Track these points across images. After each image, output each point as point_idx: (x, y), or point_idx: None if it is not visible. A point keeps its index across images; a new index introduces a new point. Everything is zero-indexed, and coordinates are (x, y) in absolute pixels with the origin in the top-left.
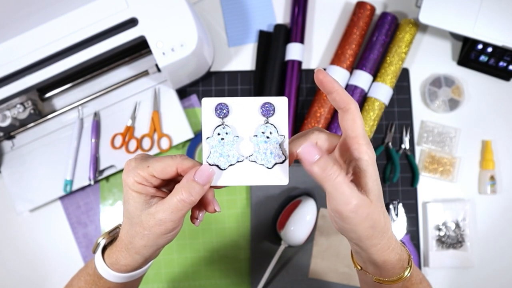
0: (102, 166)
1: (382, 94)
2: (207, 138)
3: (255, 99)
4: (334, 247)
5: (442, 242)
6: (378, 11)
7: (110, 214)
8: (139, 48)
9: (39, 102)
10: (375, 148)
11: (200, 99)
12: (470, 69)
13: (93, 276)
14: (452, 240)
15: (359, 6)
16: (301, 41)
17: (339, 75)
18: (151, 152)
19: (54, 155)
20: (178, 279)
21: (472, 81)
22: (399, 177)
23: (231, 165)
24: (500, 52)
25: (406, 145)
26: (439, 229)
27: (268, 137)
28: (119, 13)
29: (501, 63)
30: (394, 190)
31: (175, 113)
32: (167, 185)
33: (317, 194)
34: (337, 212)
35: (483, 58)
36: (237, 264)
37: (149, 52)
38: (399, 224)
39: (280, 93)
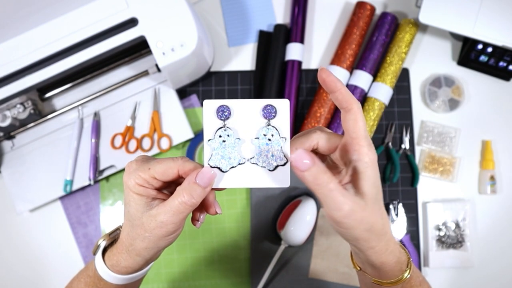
0: (102, 166)
1: (382, 94)
2: (209, 140)
3: (256, 101)
4: (334, 247)
5: (442, 242)
6: (378, 11)
7: (110, 214)
8: (139, 48)
9: (39, 102)
10: (375, 148)
11: (200, 99)
12: (470, 69)
13: (93, 277)
14: (452, 240)
15: (359, 6)
16: (301, 41)
17: (339, 75)
18: (151, 152)
19: (54, 155)
20: (178, 279)
21: (472, 81)
22: (399, 177)
23: (232, 167)
24: (500, 52)
25: (406, 145)
26: (439, 229)
27: (269, 140)
28: (119, 13)
29: (501, 63)
30: (394, 190)
31: (175, 113)
32: (168, 187)
33: None
34: (331, 218)
35: (483, 58)
36: (237, 264)
37: (149, 52)
38: (399, 224)
39: (280, 93)
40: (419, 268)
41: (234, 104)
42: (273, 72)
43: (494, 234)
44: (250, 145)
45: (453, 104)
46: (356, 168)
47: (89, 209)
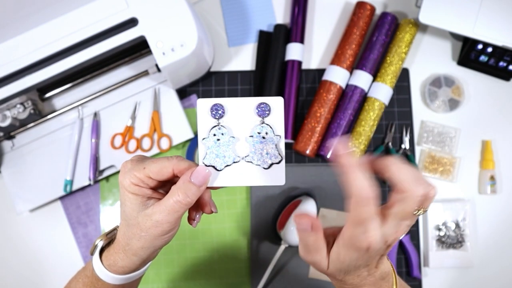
0: (102, 166)
1: (382, 94)
2: (203, 139)
3: (250, 99)
4: None
5: (442, 242)
6: (378, 11)
7: (110, 214)
8: (139, 48)
9: (39, 102)
10: (375, 148)
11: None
12: (470, 69)
13: (91, 278)
14: (452, 240)
15: (359, 6)
16: (301, 41)
17: (339, 75)
18: (151, 152)
19: (54, 155)
20: (178, 279)
21: (472, 81)
22: None
23: (227, 165)
24: (500, 52)
25: (406, 145)
26: (439, 229)
27: (264, 138)
28: (119, 13)
29: (501, 63)
30: None
31: (175, 113)
32: (164, 186)
33: (317, 194)
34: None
35: (483, 58)
36: (237, 264)
37: (149, 52)
38: None
39: (280, 93)
40: (419, 268)
41: (228, 102)
42: (273, 72)
43: (494, 234)
44: (244, 143)
45: (453, 104)
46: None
47: (89, 209)
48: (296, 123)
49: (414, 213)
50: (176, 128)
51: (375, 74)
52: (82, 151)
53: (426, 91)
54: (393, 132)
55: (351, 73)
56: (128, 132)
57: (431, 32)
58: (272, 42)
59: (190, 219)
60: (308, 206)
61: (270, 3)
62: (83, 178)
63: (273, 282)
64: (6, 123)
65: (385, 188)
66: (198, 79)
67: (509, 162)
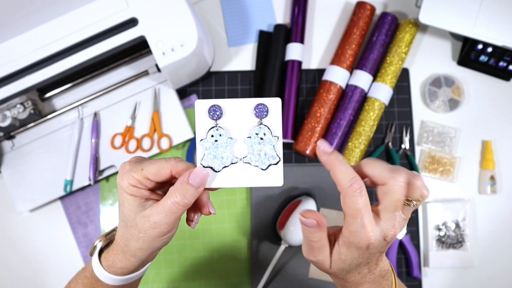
0: (102, 166)
1: (382, 94)
2: (201, 140)
3: (248, 100)
4: None
5: (442, 242)
6: (378, 11)
7: (110, 214)
8: (139, 48)
9: (39, 102)
10: (375, 148)
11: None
12: (470, 69)
13: (90, 278)
14: (452, 240)
15: (359, 6)
16: (301, 41)
17: (339, 75)
18: (151, 152)
19: (54, 155)
20: (178, 279)
21: (472, 81)
22: None
23: (225, 167)
24: (500, 52)
25: (406, 145)
26: (439, 229)
27: (262, 138)
28: (119, 13)
29: (501, 63)
30: None
31: (175, 113)
32: (162, 187)
33: (317, 194)
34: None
35: (483, 58)
36: (237, 264)
37: (149, 52)
38: None
39: (280, 93)
40: (419, 268)
41: (226, 103)
42: (273, 72)
43: (494, 234)
44: (242, 144)
45: (453, 104)
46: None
47: (89, 209)
48: (296, 123)
49: (408, 204)
50: (176, 128)
51: (375, 74)
52: (82, 151)
53: (426, 91)
54: (393, 132)
55: (351, 73)
56: (128, 132)
57: (431, 32)
58: (272, 42)
59: (189, 221)
60: (308, 206)
61: (270, 3)
62: (83, 178)
63: (273, 282)
64: (6, 123)
65: None
66: (198, 79)
67: (509, 162)
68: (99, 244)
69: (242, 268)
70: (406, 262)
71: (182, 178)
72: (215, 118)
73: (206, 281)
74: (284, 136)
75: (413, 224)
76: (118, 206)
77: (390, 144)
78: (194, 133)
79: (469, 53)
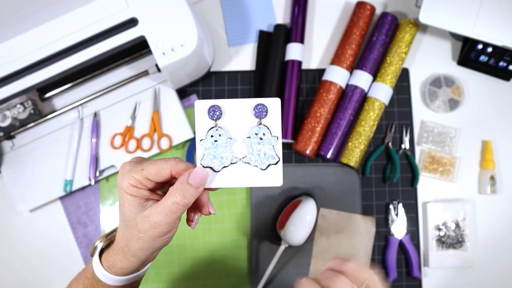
0: (102, 166)
1: (382, 94)
2: (201, 140)
3: (247, 100)
4: (334, 247)
5: (442, 242)
6: (378, 11)
7: (110, 214)
8: (139, 48)
9: (39, 102)
10: (375, 148)
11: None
12: (470, 69)
13: (91, 279)
14: (452, 240)
15: (359, 6)
16: (301, 41)
17: (339, 75)
18: (151, 152)
19: (54, 155)
20: (178, 279)
21: (472, 81)
22: (399, 177)
23: (224, 167)
24: (500, 52)
25: (406, 145)
26: (439, 229)
27: (261, 139)
28: (119, 13)
29: (501, 63)
30: (394, 190)
31: (175, 113)
32: (162, 187)
33: (317, 194)
34: None
35: (483, 58)
36: (237, 264)
37: (149, 52)
38: (399, 224)
39: (280, 93)
40: (419, 268)
41: (225, 104)
42: (273, 72)
43: (494, 234)
44: (242, 145)
45: (453, 104)
46: None
47: (89, 209)
48: (296, 123)
49: None
50: (176, 128)
51: (375, 74)
52: (82, 151)
53: (426, 91)
54: (393, 132)
55: (351, 73)
56: (128, 132)
57: (431, 32)
58: (272, 42)
59: (189, 221)
60: (308, 206)
61: (270, 3)
62: (83, 178)
63: (273, 282)
64: (6, 123)
65: (385, 188)
66: (198, 79)
67: (509, 162)
68: (99, 245)
69: (242, 268)
70: (406, 262)
71: (182, 178)
72: (214, 118)
73: (206, 281)
74: (284, 136)
75: (413, 224)
76: (119, 206)
77: (390, 144)
78: (194, 133)
79: (469, 53)
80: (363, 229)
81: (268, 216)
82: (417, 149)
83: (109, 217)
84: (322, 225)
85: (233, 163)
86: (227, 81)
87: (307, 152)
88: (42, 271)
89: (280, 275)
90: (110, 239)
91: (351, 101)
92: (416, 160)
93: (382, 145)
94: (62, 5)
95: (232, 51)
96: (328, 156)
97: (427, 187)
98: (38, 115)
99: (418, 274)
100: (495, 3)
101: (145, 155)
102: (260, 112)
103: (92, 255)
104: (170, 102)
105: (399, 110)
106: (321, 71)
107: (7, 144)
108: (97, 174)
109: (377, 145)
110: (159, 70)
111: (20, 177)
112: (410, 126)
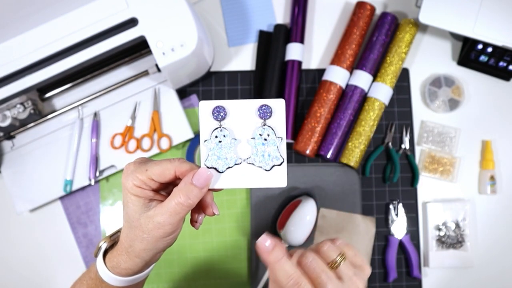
0: (102, 166)
1: (382, 94)
2: (205, 141)
3: (252, 101)
4: None
5: (442, 242)
6: (378, 11)
7: (110, 214)
8: (139, 48)
9: (39, 102)
10: (375, 148)
11: (200, 99)
12: (470, 69)
13: (95, 280)
14: (452, 240)
15: (359, 6)
16: (301, 41)
17: (339, 75)
18: (151, 152)
19: (54, 155)
20: (178, 279)
21: (472, 81)
22: (399, 177)
23: (229, 167)
24: (500, 52)
25: (406, 145)
26: (439, 229)
27: (265, 139)
28: (119, 13)
29: (501, 63)
30: (394, 190)
31: (175, 113)
32: (166, 188)
33: (317, 194)
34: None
35: (483, 58)
36: (237, 264)
37: (149, 52)
38: (399, 224)
39: (280, 93)
40: (419, 268)
41: (230, 104)
42: (273, 72)
43: (494, 234)
44: (246, 145)
45: (453, 104)
46: None
47: (89, 209)
48: (296, 123)
49: (334, 266)
50: (176, 128)
51: (375, 74)
52: (82, 151)
53: (426, 91)
54: (393, 132)
55: (351, 73)
56: (128, 132)
57: (431, 32)
58: (272, 42)
59: (193, 221)
60: (308, 206)
61: (270, 3)
62: (83, 178)
63: None
64: (6, 123)
65: (385, 188)
66: (198, 79)
67: (509, 162)
68: (103, 245)
69: (242, 268)
70: (406, 262)
71: (186, 178)
72: (219, 119)
73: (206, 281)
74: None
75: (413, 224)
76: (123, 207)
77: (390, 144)
78: (195, 132)
79: (469, 53)
80: (363, 229)
81: (268, 216)
82: (417, 149)
83: (109, 217)
84: (322, 225)
85: (237, 164)
86: (227, 81)
87: (307, 152)
88: (42, 271)
89: None
90: (114, 240)
91: (351, 101)
92: (416, 160)
93: (382, 145)
94: (62, 5)
95: (232, 51)
96: (328, 156)
97: (427, 187)
98: (38, 115)
99: (418, 274)
100: (495, 3)
101: (145, 155)
102: (265, 113)
103: (96, 256)
104: (170, 102)
105: (399, 110)
106: (321, 71)
107: (7, 144)
108: (97, 174)
109: (377, 145)
110: (159, 70)
111: (20, 177)
112: (410, 126)
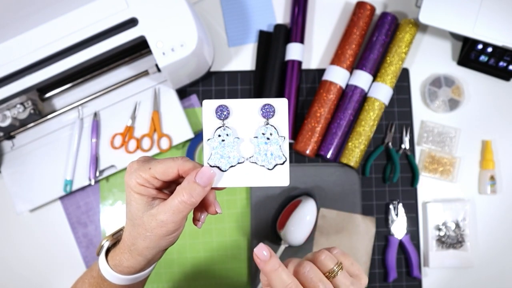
0: (102, 166)
1: (382, 94)
2: (208, 139)
3: (255, 100)
4: None
5: (442, 242)
6: (378, 11)
7: (110, 214)
8: (139, 48)
9: (39, 102)
10: (375, 148)
11: (200, 99)
12: (470, 69)
13: (97, 278)
14: (452, 240)
15: (359, 6)
16: (301, 41)
17: (339, 75)
18: (151, 152)
19: (54, 155)
20: (178, 279)
21: (472, 81)
22: (399, 177)
23: (231, 166)
24: (500, 52)
25: (406, 145)
26: (439, 229)
27: (268, 138)
28: (119, 13)
29: (501, 63)
30: (394, 190)
31: (175, 113)
32: (169, 187)
33: (317, 194)
34: None
35: (483, 58)
36: (237, 264)
37: (149, 52)
38: (399, 224)
39: (280, 93)
40: (419, 268)
41: (233, 103)
42: (273, 72)
43: (494, 234)
44: (249, 144)
45: (453, 104)
46: None
47: (89, 209)
48: (296, 123)
49: (332, 276)
50: (176, 128)
51: (375, 74)
52: (82, 151)
53: (426, 91)
54: (393, 132)
55: (351, 73)
56: (128, 132)
57: (431, 32)
58: (272, 42)
59: (195, 220)
60: (308, 206)
61: (270, 3)
62: (83, 178)
63: None
64: (6, 123)
65: (385, 188)
66: (198, 79)
67: (509, 162)
68: (106, 244)
69: (242, 268)
70: (406, 262)
71: (189, 177)
72: (222, 118)
73: (206, 281)
74: None
75: (413, 224)
76: (126, 205)
77: (390, 144)
78: (195, 132)
79: (469, 53)
80: (363, 229)
81: (268, 216)
82: (417, 149)
83: (109, 217)
84: (322, 225)
85: (240, 162)
86: (227, 81)
87: (307, 152)
88: (42, 271)
89: None
90: (116, 238)
91: (351, 101)
92: (416, 160)
93: (382, 145)
94: (62, 5)
95: (232, 51)
96: (328, 156)
97: (427, 187)
98: (38, 115)
99: (418, 274)
100: (495, 3)
101: (145, 155)
102: (268, 112)
103: (98, 254)
104: (170, 102)
105: (399, 110)
106: (321, 71)
107: (7, 144)
108: (97, 174)
109: (377, 145)
110: (159, 70)
111: (20, 177)
112: (410, 126)
